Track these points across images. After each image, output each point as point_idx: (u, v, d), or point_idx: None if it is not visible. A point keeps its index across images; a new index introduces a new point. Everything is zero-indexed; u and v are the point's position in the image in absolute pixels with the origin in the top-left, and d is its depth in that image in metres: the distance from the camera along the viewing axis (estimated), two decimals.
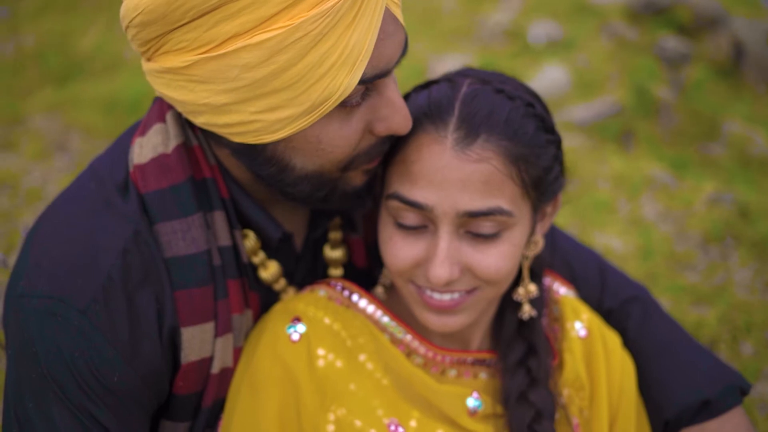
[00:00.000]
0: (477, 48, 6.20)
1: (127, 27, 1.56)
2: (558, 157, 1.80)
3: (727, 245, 4.15)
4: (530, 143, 1.71)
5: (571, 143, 5.01)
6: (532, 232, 1.82)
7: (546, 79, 5.69)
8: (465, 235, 1.72)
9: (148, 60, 1.60)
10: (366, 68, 1.55)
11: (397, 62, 1.63)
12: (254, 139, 1.58)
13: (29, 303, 1.68)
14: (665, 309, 3.64)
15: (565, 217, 4.38)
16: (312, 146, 1.62)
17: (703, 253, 4.12)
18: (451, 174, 1.66)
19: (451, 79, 1.79)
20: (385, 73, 1.60)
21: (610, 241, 4.20)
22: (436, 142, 1.68)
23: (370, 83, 1.59)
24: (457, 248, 1.71)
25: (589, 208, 4.49)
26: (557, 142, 1.80)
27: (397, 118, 1.66)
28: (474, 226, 1.70)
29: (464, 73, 1.82)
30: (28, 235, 1.79)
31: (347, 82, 1.52)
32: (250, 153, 1.66)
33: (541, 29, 6.33)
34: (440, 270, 1.69)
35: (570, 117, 5.29)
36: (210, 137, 1.74)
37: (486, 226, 1.70)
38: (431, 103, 1.73)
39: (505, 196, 1.69)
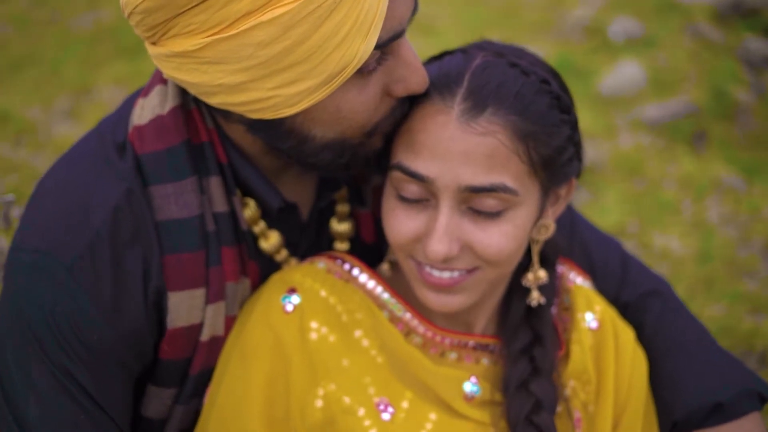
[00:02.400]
0: (555, 42, 6.09)
1: (130, 14, 1.50)
2: (573, 138, 1.72)
3: None
4: (541, 120, 1.64)
5: (640, 142, 4.89)
6: (541, 215, 1.74)
7: (621, 75, 5.55)
8: (467, 212, 1.65)
9: (154, 44, 1.54)
10: (380, 32, 1.51)
11: (409, 21, 1.58)
12: (272, 115, 1.54)
13: (19, 256, 1.67)
14: (714, 314, 3.54)
15: (626, 215, 4.27)
16: (331, 115, 1.58)
17: (765, 260, 3.97)
18: (455, 146, 1.60)
19: (466, 51, 1.73)
20: (399, 35, 1.56)
21: (670, 243, 4.09)
22: (442, 112, 1.62)
23: (385, 47, 1.55)
24: (457, 224, 1.65)
25: (653, 208, 4.37)
26: (573, 123, 1.72)
27: (414, 78, 1.62)
28: (476, 202, 1.63)
29: (481, 45, 1.75)
30: (33, 191, 1.78)
31: (363, 48, 1.49)
32: (268, 128, 1.62)
33: (621, 26, 6.19)
34: (438, 245, 1.63)
35: (642, 115, 5.16)
36: (219, 113, 1.69)
37: (489, 204, 1.63)
38: (441, 74, 1.67)
39: (510, 173, 1.62)
